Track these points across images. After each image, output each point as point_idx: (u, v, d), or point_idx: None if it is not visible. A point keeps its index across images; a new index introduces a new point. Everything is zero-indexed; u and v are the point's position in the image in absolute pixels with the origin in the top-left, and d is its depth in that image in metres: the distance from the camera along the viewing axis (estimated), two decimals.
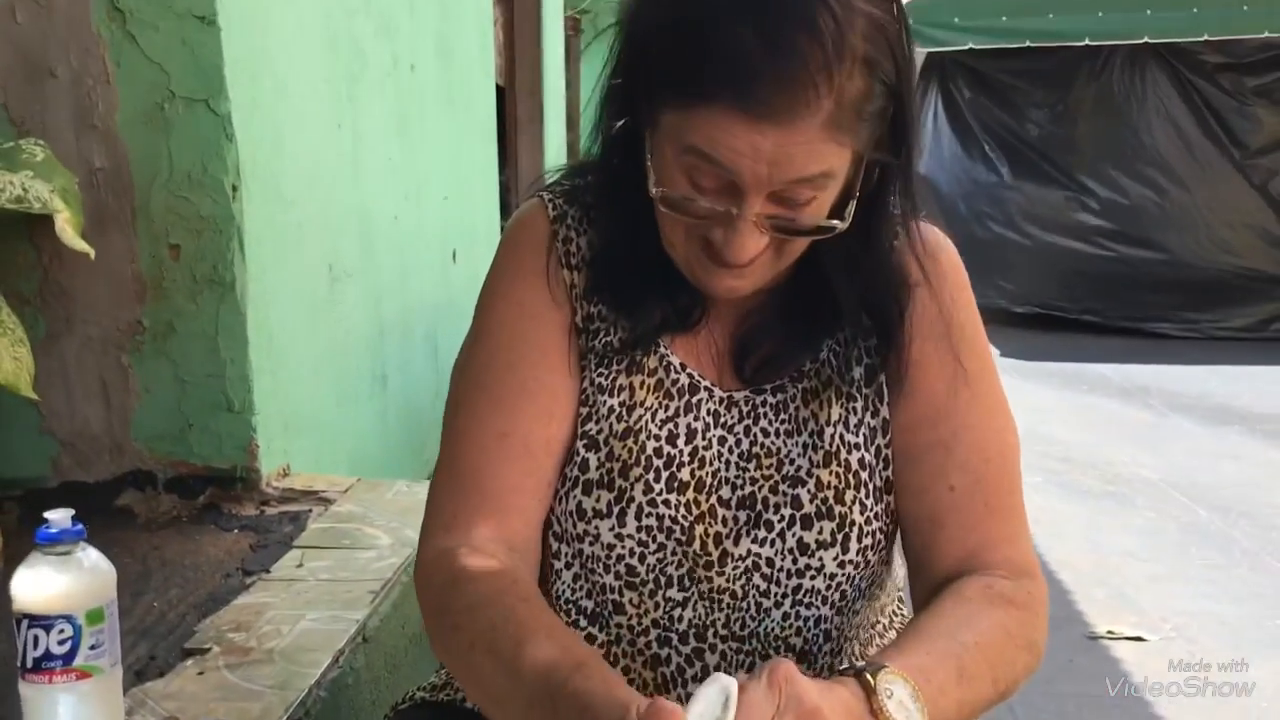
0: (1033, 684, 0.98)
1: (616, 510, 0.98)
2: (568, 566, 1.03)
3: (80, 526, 1.02)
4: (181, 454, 1.97)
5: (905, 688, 0.79)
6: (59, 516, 1.02)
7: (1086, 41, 6.77)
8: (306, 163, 2.21)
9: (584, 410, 1.01)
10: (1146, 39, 6.72)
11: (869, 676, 0.78)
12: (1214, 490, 4.26)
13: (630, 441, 0.99)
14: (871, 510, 1.00)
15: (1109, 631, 2.95)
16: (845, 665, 0.85)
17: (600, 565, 1.00)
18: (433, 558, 0.97)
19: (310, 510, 1.95)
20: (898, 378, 1.01)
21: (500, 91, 4.50)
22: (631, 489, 0.98)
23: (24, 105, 1.84)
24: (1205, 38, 6.68)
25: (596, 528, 0.99)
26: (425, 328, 3.12)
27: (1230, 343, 6.71)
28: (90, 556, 1.03)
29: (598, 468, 0.99)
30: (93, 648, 1.02)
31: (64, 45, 1.83)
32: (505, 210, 4.33)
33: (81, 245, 1.62)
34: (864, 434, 1.01)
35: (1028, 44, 6.85)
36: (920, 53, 7.47)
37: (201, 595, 1.63)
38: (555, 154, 5.69)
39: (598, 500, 0.99)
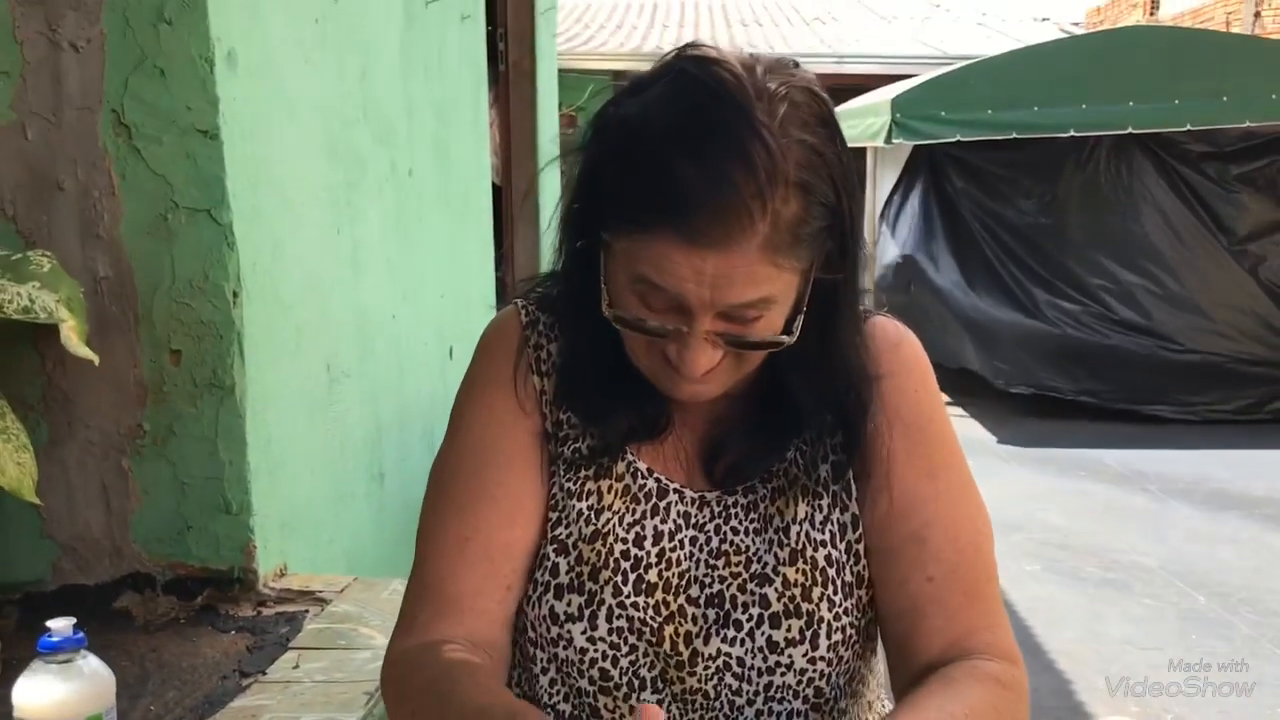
0: None
1: (588, 613, 1.01)
2: (544, 671, 1.05)
3: (81, 635, 1.05)
4: (180, 555, 1.98)
5: None
6: (60, 625, 1.04)
7: (1071, 133, 6.91)
8: (306, 267, 2.26)
9: (554, 515, 1.04)
10: (1130, 129, 6.87)
11: None
12: (1213, 576, 4.26)
13: (599, 544, 1.02)
14: (840, 606, 1.01)
15: None
16: None
17: (575, 670, 1.02)
18: (396, 658, 1.01)
19: (307, 611, 1.96)
20: (865, 472, 1.03)
21: (497, 190, 4.59)
22: (601, 591, 1.01)
23: (32, 217, 1.90)
24: (1188, 128, 6.83)
25: (569, 631, 1.01)
26: (423, 423, 3.15)
27: (1226, 426, 6.74)
28: (90, 664, 1.05)
29: (567, 571, 1.02)
30: None
31: (71, 159, 1.89)
32: (502, 306, 4.38)
33: (85, 353, 1.67)
34: (831, 531, 1.03)
35: (1014, 135, 6.99)
36: (908, 145, 7.64)
37: (198, 698, 1.64)
38: (551, 242, 5.75)
39: (569, 604, 1.01)
